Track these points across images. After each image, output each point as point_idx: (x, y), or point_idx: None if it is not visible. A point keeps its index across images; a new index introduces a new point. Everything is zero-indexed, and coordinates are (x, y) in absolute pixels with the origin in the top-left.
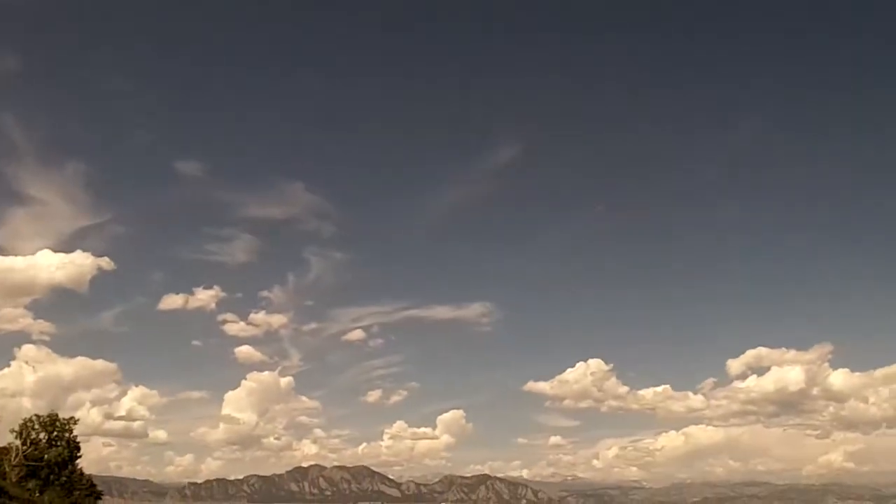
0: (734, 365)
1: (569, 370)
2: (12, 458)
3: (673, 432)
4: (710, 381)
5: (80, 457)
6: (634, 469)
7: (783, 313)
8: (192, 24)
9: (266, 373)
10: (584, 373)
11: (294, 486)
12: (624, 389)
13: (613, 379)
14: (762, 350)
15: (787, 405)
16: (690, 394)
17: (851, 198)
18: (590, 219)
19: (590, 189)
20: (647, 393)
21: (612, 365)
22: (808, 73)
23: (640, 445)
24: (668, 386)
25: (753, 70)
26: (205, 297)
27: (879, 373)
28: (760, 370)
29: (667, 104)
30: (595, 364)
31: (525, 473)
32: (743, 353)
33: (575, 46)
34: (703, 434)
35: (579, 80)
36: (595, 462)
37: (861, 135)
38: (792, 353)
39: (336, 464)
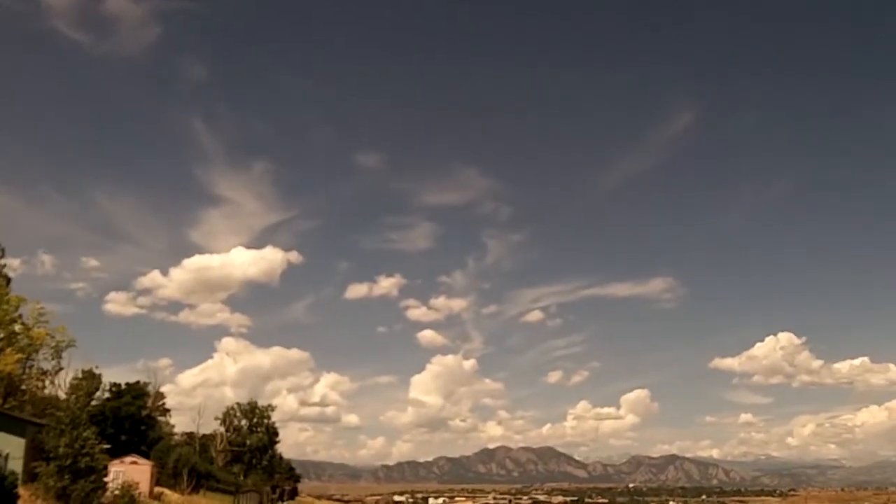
0: None
1: (757, 345)
2: (218, 444)
3: (874, 407)
4: None
5: (278, 441)
6: (833, 447)
7: None
8: (362, 24)
9: (449, 356)
10: (774, 347)
11: (481, 468)
12: (818, 363)
13: (806, 352)
14: None
15: None
16: (892, 365)
17: None
18: (776, 185)
19: (774, 156)
20: (843, 366)
21: (803, 338)
22: None
23: (838, 422)
24: (866, 358)
25: None
26: (387, 284)
27: None
28: None
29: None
30: (785, 338)
31: (715, 453)
32: None
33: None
34: None
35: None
36: (789, 440)
37: None
38: None
39: (521, 445)
